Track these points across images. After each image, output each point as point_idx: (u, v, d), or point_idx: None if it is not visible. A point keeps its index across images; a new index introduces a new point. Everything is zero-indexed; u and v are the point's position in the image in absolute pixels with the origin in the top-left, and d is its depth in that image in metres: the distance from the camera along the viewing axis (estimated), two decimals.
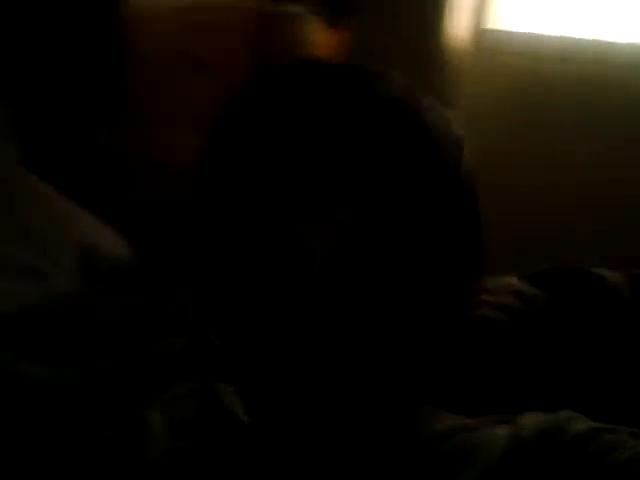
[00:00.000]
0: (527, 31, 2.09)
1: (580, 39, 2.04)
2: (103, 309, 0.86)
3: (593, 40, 2.03)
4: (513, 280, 0.74)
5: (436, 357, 0.58)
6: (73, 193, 1.25)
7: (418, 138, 0.53)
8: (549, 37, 2.06)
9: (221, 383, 0.68)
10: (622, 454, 0.53)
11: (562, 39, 2.05)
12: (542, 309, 0.71)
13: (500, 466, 0.56)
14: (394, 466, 0.58)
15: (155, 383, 0.73)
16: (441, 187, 0.54)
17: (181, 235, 0.63)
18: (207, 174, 0.56)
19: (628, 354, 0.70)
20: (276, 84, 0.56)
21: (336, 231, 0.51)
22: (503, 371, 0.70)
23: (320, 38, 2.12)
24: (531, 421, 0.59)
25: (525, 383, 0.70)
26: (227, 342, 0.57)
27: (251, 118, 0.55)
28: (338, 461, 0.57)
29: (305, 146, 0.51)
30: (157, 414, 0.65)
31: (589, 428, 0.57)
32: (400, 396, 0.57)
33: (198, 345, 0.77)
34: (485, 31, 2.13)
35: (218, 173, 0.55)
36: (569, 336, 0.71)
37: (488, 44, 2.12)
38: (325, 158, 0.51)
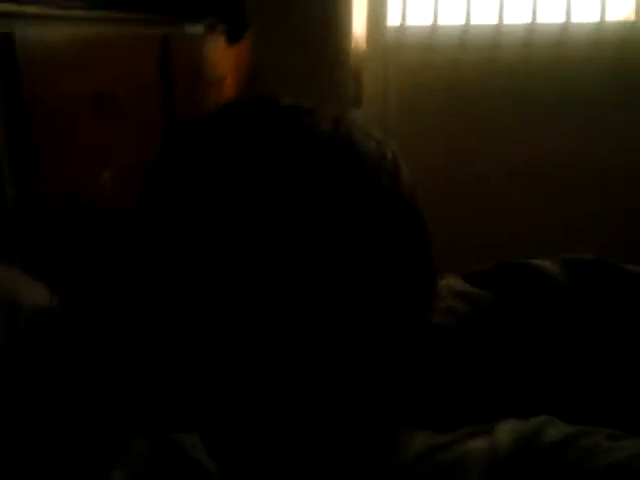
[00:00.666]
0: (424, 24, 2.13)
1: (476, 25, 2.09)
2: (31, 365, 0.82)
3: (488, 25, 2.08)
4: (455, 281, 0.74)
5: (404, 378, 0.58)
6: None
7: (353, 172, 0.52)
8: (445, 27, 2.11)
9: (180, 433, 0.66)
10: (601, 459, 0.53)
11: (458, 28, 2.10)
12: (486, 309, 0.72)
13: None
14: None
15: (110, 441, 0.70)
16: (382, 213, 0.53)
17: (120, 276, 0.62)
18: (146, 230, 0.55)
19: (573, 342, 0.72)
20: (206, 133, 0.54)
21: (287, 281, 0.50)
22: (465, 378, 0.70)
23: (220, 55, 2.11)
24: (506, 432, 0.58)
25: (489, 386, 0.70)
26: (186, 388, 0.55)
27: (185, 172, 0.53)
28: None
29: (242, 197, 0.50)
30: (121, 475, 0.63)
31: (565, 434, 0.56)
32: (375, 427, 0.56)
33: (148, 394, 0.75)
34: (383, 29, 2.16)
35: (158, 231, 0.54)
36: (519, 333, 0.72)
37: (386, 41, 2.15)
38: (263, 209, 0.50)
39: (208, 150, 0.52)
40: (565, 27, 2.05)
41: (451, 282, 0.76)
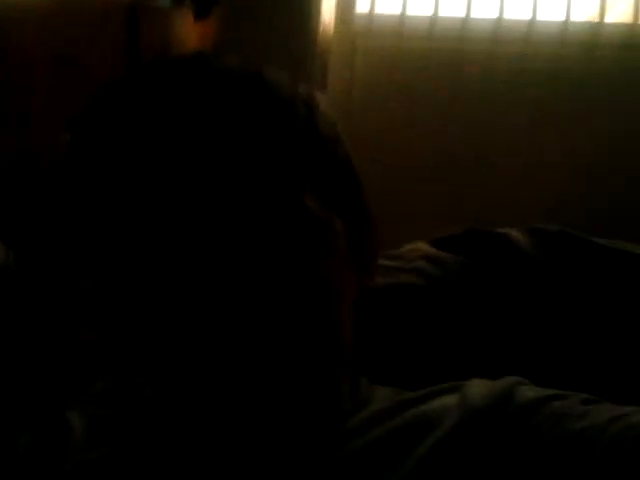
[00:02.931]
0: (392, 12, 2.13)
1: (445, 17, 2.10)
2: None
3: (457, 18, 2.10)
4: (422, 245, 0.75)
5: (353, 327, 0.58)
6: None
7: (265, 98, 0.55)
8: (414, 17, 2.12)
9: (139, 376, 0.65)
10: (574, 423, 0.53)
11: (426, 18, 2.11)
12: (454, 272, 0.73)
13: (451, 438, 0.55)
14: (326, 459, 0.56)
15: (70, 382, 0.69)
16: (295, 139, 0.55)
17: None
18: (81, 170, 0.56)
19: (538, 307, 0.73)
20: (133, 80, 0.58)
21: (206, 198, 0.52)
22: (431, 337, 0.70)
23: (187, 31, 2.09)
24: (477, 390, 0.58)
25: (455, 347, 0.71)
26: (137, 331, 0.55)
27: (115, 110, 0.56)
28: (265, 461, 0.55)
29: (164, 127, 0.53)
30: (77, 415, 0.62)
31: (536, 396, 0.56)
32: (323, 374, 0.56)
33: (107, 339, 0.74)
34: (351, 15, 2.16)
35: (93, 167, 0.55)
36: (486, 296, 0.72)
37: (355, 27, 2.15)
38: (181, 135, 0.53)
39: (137, 89, 0.56)
40: (531, 24, 2.08)
41: (419, 246, 0.77)
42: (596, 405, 0.56)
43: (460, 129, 2.03)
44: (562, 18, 2.08)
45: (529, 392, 0.57)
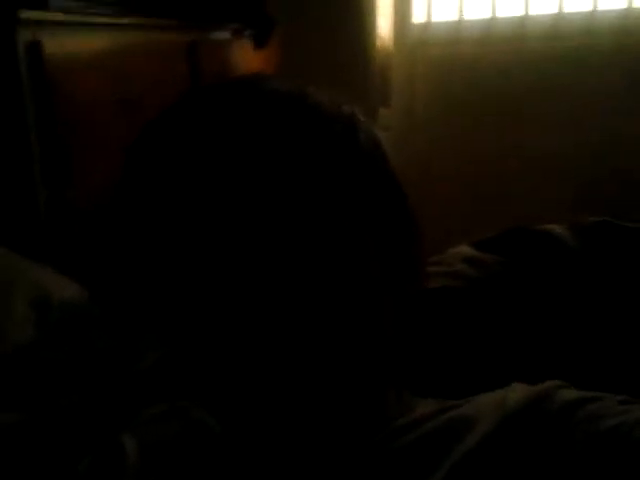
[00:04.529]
0: (447, 19, 2.13)
1: (498, 18, 2.08)
2: (55, 352, 0.85)
3: (511, 17, 2.08)
4: (463, 248, 0.75)
5: (399, 337, 0.59)
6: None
7: (307, 118, 0.57)
8: (468, 22, 2.11)
9: (191, 402, 0.68)
10: (609, 422, 0.53)
11: (481, 22, 2.09)
12: (495, 273, 0.72)
13: (488, 439, 0.56)
14: (370, 459, 0.57)
15: (125, 407, 0.72)
16: (334, 156, 0.56)
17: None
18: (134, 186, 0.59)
19: (584, 303, 0.71)
20: (183, 107, 0.60)
21: (260, 230, 0.53)
22: (474, 341, 0.70)
23: (248, 60, 2.13)
24: (517, 393, 0.59)
25: (498, 350, 0.70)
26: (193, 355, 0.57)
27: (173, 137, 0.58)
28: (317, 459, 0.57)
29: (213, 155, 0.55)
30: (132, 439, 0.65)
31: (576, 397, 0.56)
32: (370, 381, 0.57)
33: (163, 364, 0.77)
34: (409, 25, 2.16)
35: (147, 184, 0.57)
36: (528, 296, 0.71)
37: (413, 38, 2.16)
38: (232, 156, 0.55)
39: (187, 112, 0.59)
40: (592, 15, 2.03)
41: (461, 249, 0.76)
42: (634, 405, 0.55)
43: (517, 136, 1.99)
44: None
45: (567, 394, 0.57)
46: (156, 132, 0.60)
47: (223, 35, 2.04)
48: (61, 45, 1.39)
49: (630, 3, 2.02)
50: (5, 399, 0.76)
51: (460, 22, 2.11)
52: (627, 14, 2.02)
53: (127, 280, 0.64)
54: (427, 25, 2.16)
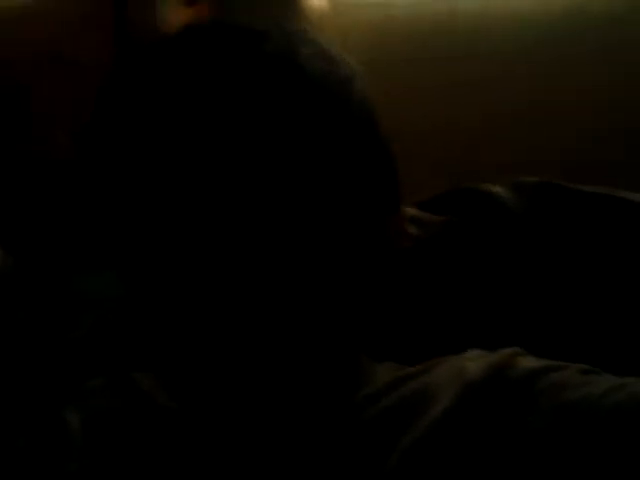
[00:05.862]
0: None
1: None
2: None
3: None
4: (407, 208, 0.75)
5: (370, 300, 0.58)
6: None
7: (295, 81, 0.54)
8: None
9: (138, 372, 0.65)
10: (573, 392, 0.53)
11: None
12: (438, 232, 0.73)
13: (450, 412, 0.56)
14: (336, 432, 0.56)
15: (64, 380, 0.69)
16: (330, 119, 0.54)
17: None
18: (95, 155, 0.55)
19: (528, 265, 0.73)
20: (158, 59, 0.56)
21: (244, 190, 0.51)
22: (417, 300, 0.70)
23: (178, 16, 2.08)
24: (475, 363, 0.58)
25: (440, 310, 0.71)
26: (146, 324, 0.55)
27: (137, 95, 0.54)
28: (275, 434, 0.55)
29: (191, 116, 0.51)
30: (74, 413, 0.62)
31: (536, 366, 0.57)
32: (337, 349, 0.56)
33: (102, 330, 0.74)
34: None
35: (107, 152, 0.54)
36: (469, 256, 0.72)
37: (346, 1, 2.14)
38: (206, 122, 0.51)
39: (158, 72, 0.54)
40: None
41: (406, 210, 0.76)
42: (595, 375, 0.56)
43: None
44: None
45: (527, 363, 0.58)
46: (133, 83, 0.55)
47: None
48: None
49: None
50: None
51: None
52: None
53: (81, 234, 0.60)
54: None
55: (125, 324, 0.70)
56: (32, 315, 0.81)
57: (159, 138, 0.52)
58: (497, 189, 0.75)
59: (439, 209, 0.76)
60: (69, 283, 0.85)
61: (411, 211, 0.75)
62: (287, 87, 0.53)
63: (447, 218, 0.74)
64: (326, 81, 0.55)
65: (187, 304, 0.52)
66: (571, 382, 0.55)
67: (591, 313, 0.71)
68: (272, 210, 0.51)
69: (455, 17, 2.03)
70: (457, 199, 0.76)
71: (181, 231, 0.52)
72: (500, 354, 0.59)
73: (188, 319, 0.52)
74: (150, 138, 0.52)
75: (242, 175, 0.51)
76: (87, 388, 0.66)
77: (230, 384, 0.53)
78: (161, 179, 0.52)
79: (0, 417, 0.67)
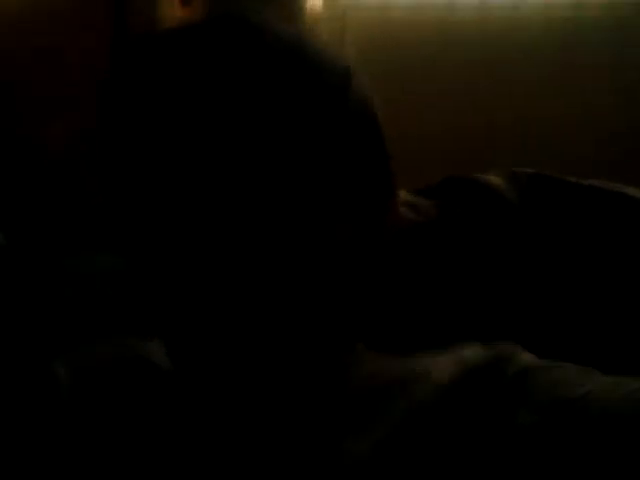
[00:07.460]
0: None
1: None
2: None
3: None
4: (405, 195, 0.75)
5: (367, 285, 0.58)
6: None
7: (298, 73, 0.55)
8: None
9: (141, 336, 0.65)
10: (572, 391, 0.53)
11: None
12: (433, 217, 0.73)
13: (446, 389, 0.56)
14: (328, 411, 0.57)
15: (57, 338, 0.70)
16: (327, 111, 0.55)
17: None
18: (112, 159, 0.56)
19: (518, 257, 0.73)
20: (157, 58, 0.56)
21: (243, 182, 0.52)
22: (413, 284, 0.71)
23: (173, 15, 2.08)
24: (475, 352, 0.59)
25: (435, 296, 0.71)
26: (148, 292, 0.56)
27: (140, 90, 0.55)
28: (267, 408, 0.56)
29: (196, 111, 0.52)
30: (64, 367, 0.62)
31: (534, 363, 0.57)
32: (333, 333, 0.57)
33: (114, 299, 0.74)
34: None
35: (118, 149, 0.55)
36: (462, 243, 0.73)
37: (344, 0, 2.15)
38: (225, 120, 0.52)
39: (161, 66, 0.55)
40: None
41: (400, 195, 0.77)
42: (590, 375, 0.56)
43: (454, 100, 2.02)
44: None
45: (525, 359, 0.58)
46: (136, 80, 0.56)
47: None
48: None
49: None
50: None
51: None
52: None
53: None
54: None
55: (122, 295, 0.71)
56: (22, 285, 0.81)
57: (159, 134, 0.53)
58: (493, 179, 0.76)
59: (434, 196, 0.76)
60: (60, 262, 0.85)
61: (406, 196, 0.75)
62: (285, 82, 0.54)
63: (441, 201, 0.75)
64: (324, 76, 0.56)
65: (188, 290, 0.53)
66: (565, 380, 0.55)
67: (585, 302, 0.71)
68: (271, 193, 0.52)
69: (454, 21, 2.05)
70: (452, 187, 0.77)
71: (181, 220, 0.53)
72: (499, 347, 0.59)
73: (190, 303, 0.54)
74: (150, 135, 0.53)
75: (242, 159, 0.52)
76: (81, 348, 0.67)
77: (229, 355, 0.54)
78: (162, 171, 0.53)
79: None
